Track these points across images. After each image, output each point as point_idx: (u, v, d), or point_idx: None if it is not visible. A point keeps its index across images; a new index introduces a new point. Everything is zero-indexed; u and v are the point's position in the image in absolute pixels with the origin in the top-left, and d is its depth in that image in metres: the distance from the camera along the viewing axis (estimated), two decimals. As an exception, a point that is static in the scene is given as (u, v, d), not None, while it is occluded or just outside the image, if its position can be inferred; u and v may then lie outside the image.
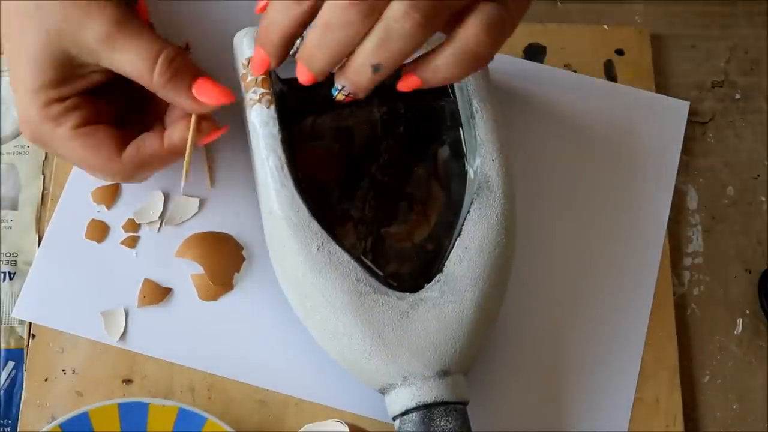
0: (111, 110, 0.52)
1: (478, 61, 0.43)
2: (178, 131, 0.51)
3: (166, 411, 0.51)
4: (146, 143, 0.51)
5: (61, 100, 0.49)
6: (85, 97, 0.50)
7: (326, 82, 0.45)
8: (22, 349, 0.54)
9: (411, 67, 0.44)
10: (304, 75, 0.45)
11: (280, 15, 0.44)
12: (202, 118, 0.51)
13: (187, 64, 0.49)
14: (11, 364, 0.54)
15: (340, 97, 0.45)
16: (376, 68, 0.43)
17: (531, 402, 0.55)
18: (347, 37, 0.42)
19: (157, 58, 0.48)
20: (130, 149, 0.50)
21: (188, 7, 0.61)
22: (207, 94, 0.49)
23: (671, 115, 0.62)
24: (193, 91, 0.49)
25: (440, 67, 0.43)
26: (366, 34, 0.42)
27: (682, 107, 0.63)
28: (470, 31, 0.42)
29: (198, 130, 0.51)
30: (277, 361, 0.54)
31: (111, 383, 0.54)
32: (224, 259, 0.56)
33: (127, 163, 0.50)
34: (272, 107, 0.51)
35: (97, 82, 0.50)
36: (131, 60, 0.48)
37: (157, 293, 0.55)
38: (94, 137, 0.49)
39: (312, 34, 0.43)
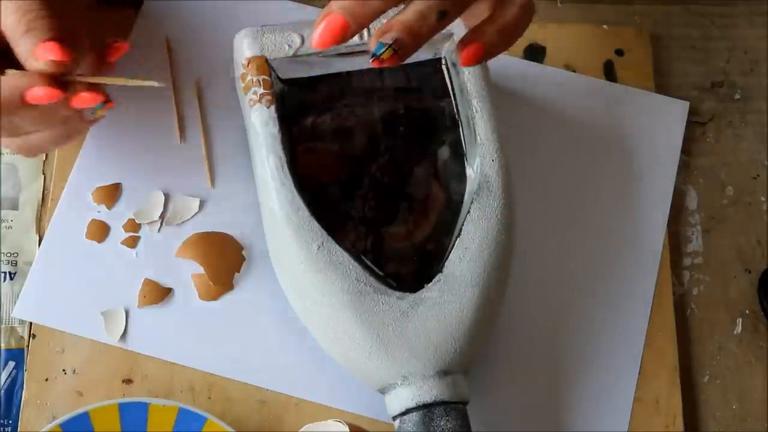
0: None
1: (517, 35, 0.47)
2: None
3: (166, 411, 0.51)
4: None
5: None
6: None
7: (328, 83, 0.45)
8: (23, 349, 0.54)
9: (471, 39, 0.46)
10: (338, 23, 0.42)
11: None
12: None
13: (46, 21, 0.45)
14: (11, 364, 0.54)
15: (386, 55, 0.43)
16: (441, 15, 0.42)
17: (531, 402, 0.55)
18: None
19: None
20: None
21: (188, 7, 0.61)
22: (49, 53, 0.44)
23: (671, 115, 0.62)
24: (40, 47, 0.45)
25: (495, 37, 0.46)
26: None
27: (682, 107, 0.63)
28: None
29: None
30: (277, 361, 0.54)
31: (111, 383, 0.54)
32: (224, 259, 0.56)
33: None
34: (272, 107, 0.51)
35: None
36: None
37: (157, 293, 0.55)
38: None
39: None
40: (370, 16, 0.43)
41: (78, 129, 0.50)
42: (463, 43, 0.46)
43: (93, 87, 0.47)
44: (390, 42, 0.43)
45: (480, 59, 0.46)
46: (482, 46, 0.46)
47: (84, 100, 0.46)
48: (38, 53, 0.44)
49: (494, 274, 0.50)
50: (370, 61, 0.43)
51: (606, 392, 0.55)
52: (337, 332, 0.50)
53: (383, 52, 0.43)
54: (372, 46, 0.43)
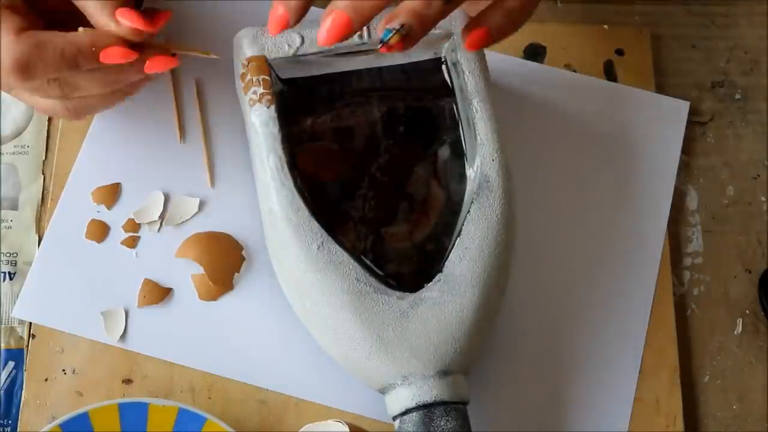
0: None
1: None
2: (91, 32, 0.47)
3: (166, 411, 0.51)
4: (51, 36, 0.46)
5: None
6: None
7: (328, 83, 0.45)
8: (22, 349, 0.54)
9: (476, 23, 0.46)
10: (343, 20, 0.43)
11: None
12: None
13: None
14: (11, 364, 0.54)
15: (393, 40, 0.43)
16: None
17: (531, 402, 0.55)
18: None
19: None
20: (30, 34, 0.46)
21: (188, 7, 0.61)
22: (129, 20, 0.46)
23: (671, 115, 0.62)
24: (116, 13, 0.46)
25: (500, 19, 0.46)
26: None
27: (682, 107, 0.63)
28: None
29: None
30: (277, 361, 0.54)
31: (111, 383, 0.54)
32: (224, 259, 0.56)
33: (20, 45, 0.45)
34: (272, 107, 0.51)
35: None
36: None
37: (157, 293, 0.55)
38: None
39: None
40: (372, 11, 0.43)
41: (132, 90, 0.51)
42: (469, 27, 0.46)
43: (163, 52, 0.48)
44: (398, 27, 0.43)
45: (485, 43, 0.46)
46: (488, 30, 0.46)
47: (159, 63, 0.48)
48: (121, 15, 0.46)
49: (494, 273, 0.50)
50: (378, 47, 0.43)
51: (606, 392, 0.55)
52: (337, 332, 0.50)
53: (391, 38, 0.43)
54: (380, 32, 0.43)
